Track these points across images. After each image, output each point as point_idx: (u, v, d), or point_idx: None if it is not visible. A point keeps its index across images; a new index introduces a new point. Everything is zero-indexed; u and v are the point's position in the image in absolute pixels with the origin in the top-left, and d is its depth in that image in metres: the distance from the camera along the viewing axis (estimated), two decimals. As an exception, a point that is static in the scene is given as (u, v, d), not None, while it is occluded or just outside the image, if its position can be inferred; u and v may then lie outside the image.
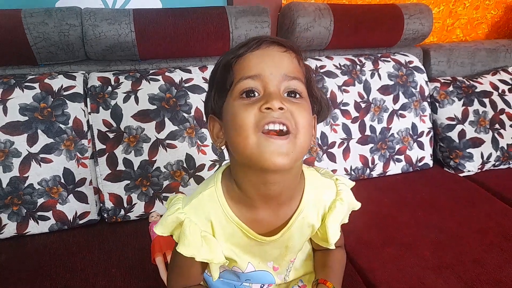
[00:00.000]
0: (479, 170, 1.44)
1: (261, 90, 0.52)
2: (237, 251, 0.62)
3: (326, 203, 0.65)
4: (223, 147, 0.59)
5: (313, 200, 0.63)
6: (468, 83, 1.49)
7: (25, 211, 1.03)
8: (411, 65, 1.44)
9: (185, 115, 1.13)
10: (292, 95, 0.54)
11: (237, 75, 0.54)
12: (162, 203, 1.12)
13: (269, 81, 0.52)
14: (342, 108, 1.33)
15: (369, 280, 0.93)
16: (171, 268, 0.69)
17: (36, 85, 1.06)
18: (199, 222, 0.59)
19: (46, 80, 1.07)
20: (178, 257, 0.63)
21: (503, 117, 1.45)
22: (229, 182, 0.60)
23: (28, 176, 1.02)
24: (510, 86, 1.52)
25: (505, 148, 1.43)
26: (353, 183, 0.70)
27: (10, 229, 1.02)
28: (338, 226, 0.64)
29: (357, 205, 0.68)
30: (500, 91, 1.49)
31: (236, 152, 0.54)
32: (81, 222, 1.08)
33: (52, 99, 1.05)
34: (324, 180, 0.66)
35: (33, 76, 1.08)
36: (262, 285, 0.70)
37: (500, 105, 1.47)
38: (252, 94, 0.52)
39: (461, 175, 1.43)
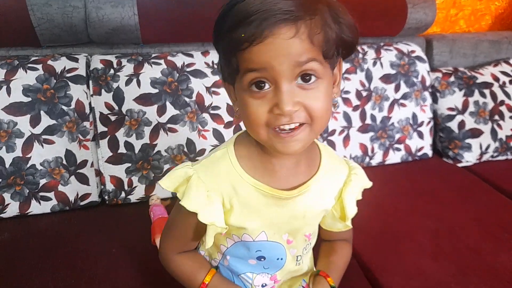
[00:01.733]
0: (478, 161, 1.45)
1: (271, 80, 0.48)
2: (253, 216, 0.59)
3: (342, 177, 0.64)
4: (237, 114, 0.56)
5: (329, 170, 0.62)
6: (469, 74, 1.49)
7: (28, 191, 1.04)
8: (413, 55, 1.44)
9: (187, 99, 1.14)
10: (307, 78, 0.49)
11: (242, 65, 0.49)
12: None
13: (278, 73, 0.47)
14: (344, 96, 1.33)
15: (366, 265, 0.95)
16: (165, 231, 0.67)
17: (39, 66, 1.06)
18: (207, 181, 0.57)
19: (49, 62, 1.08)
20: (175, 217, 0.63)
21: (503, 108, 1.46)
22: (246, 140, 0.59)
23: (30, 157, 1.03)
24: (511, 78, 1.52)
25: (504, 139, 1.44)
26: (362, 170, 0.69)
27: (13, 208, 1.04)
28: (354, 200, 0.64)
29: (369, 183, 0.67)
30: (501, 82, 1.50)
31: (249, 132, 0.55)
32: (82, 203, 1.10)
33: (55, 81, 1.06)
34: (336, 155, 0.67)
35: (36, 58, 1.09)
36: (270, 275, 0.68)
37: (501, 96, 1.47)
38: (262, 85, 0.49)
39: (460, 165, 1.45)
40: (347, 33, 0.51)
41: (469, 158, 1.44)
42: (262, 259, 0.65)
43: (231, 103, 0.69)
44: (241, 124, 1.06)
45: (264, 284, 0.67)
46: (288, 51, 0.46)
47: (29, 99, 1.03)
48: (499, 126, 1.45)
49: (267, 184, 0.57)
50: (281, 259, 0.65)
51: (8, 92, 1.02)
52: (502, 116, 1.46)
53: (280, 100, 0.47)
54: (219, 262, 0.68)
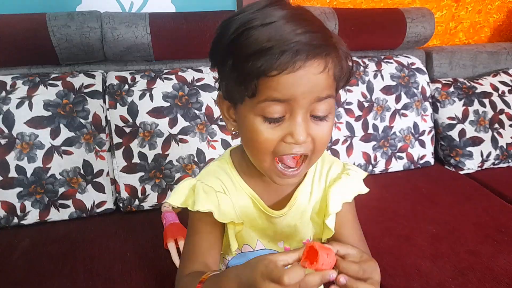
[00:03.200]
0: (479, 168, 1.49)
1: (287, 113, 0.48)
2: (249, 224, 0.61)
3: (331, 176, 0.63)
4: (236, 132, 0.57)
5: (318, 175, 0.63)
6: (469, 84, 1.54)
7: (47, 199, 1.10)
8: (413, 67, 1.50)
9: (197, 112, 1.20)
10: (320, 115, 0.50)
11: (262, 92, 0.48)
12: (174, 194, 1.19)
13: (298, 107, 0.48)
14: (346, 107, 1.39)
15: (368, 267, 0.98)
16: (182, 255, 0.63)
17: (59, 82, 1.14)
18: (213, 185, 0.58)
19: (68, 79, 1.15)
20: (190, 232, 0.61)
21: (503, 117, 1.50)
22: (240, 155, 0.61)
23: (50, 167, 1.10)
24: (510, 88, 1.56)
25: (504, 147, 1.48)
26: (365, 173, 0.66)
27: (33, 215, 1.10)
28: (339, 198, 0.61)
29: (365, 189, 0.64)
30: (500, 92, 1.54)
31: (249, 156, 0.56)
32: (98, 210, 1.16)
33: (74, 96, 1.13)
34: (332, 158, 0.66)
35: (56, 75, 1.16)
36: None
37: (500, 105, 1.51)
38: (277, 118, 0.49)
39: (461, 172, 1.48)
40: (348, 62, 0.53)
41: (471, 165, 1.47)
42: None
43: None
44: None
45: None
46: (315, 85, 0.47)
47: (50, 113, 1.11)
48: (499, 134, 1.49)
49: (261, 197, 0.60)
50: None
51: (30, 107, 1.10)
52: (502, 125, 1.50)
53: (296, 130, 0.48)
54: None
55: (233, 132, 0.57)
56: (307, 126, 0.49)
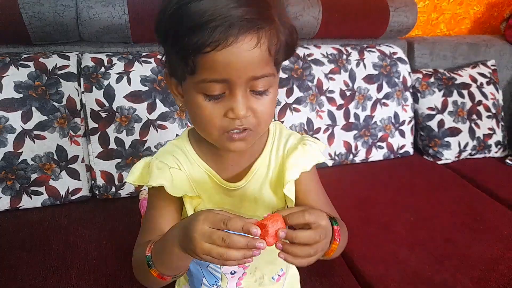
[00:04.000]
0: (456, 159, 1.52)
1: (226, 89, 0.50)
2: (208, 201, 0.62)
3: (288, 147, 0.64)
4: (184, 109, 0.59)
5: (276, 149, 0.64)
6: (449, 75, 1.55)
7: (19, 185, 1.06)
8: (395, 56, 1.50)
9: (176, 97, 1.17)
10: (260, 90, 0.52)
11: (201, 72, 0.49)
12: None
13: (237, 85, 0.50)
14: (328, 95, 1.38)
15: (348, 255, 0.99)
16: (141, 228, 0.63)
17: (31, 63, 1.08)
18: (168, 163, 0.60)
19: (41, 59, 1.10)
20: (148, 206, 0.62)
21: (480, 108, 1.53)
22: (195, 136, 0.62)
23: (22, 152, 1.05)
24: (488, 79, 1.59)
25: (481, 138, 1.51)
26: (324, 145, 0.67)
27: (4, 202, 1.05)
28: (296, 168, 0.61)
29: (321, 158, 0.64)
30: (478, 83, 1.56)
31: (197, 131, 0.58)
32: (73, 198, 1.12)
33: (46, 78, 1.08)
34: (290, 132, 0.67)
35: (28, 55, 1.11)
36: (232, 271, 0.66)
37: (478, 96, 1.54)
38: (218, 95, 0.51)
39: (439, 162, 1.51)
40: (290, 36, 0.53)
41: (448, 156, 1.50)
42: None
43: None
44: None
45: (233, 272, 0.68)
46: (250, 64, 0.48)
47: (21, 95, 1.05)
48: (477, 125, 1.52)
49: (218, 173, 0.61)
50: None
51: (0, 88, 1.04)
52: (479, 116, 1.53)
53: (235, 106, 0.51)
54: None
55: (184, 109, 0.60)
56: (247, 101, 0.51)
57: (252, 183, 0.63)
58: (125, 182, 1.14)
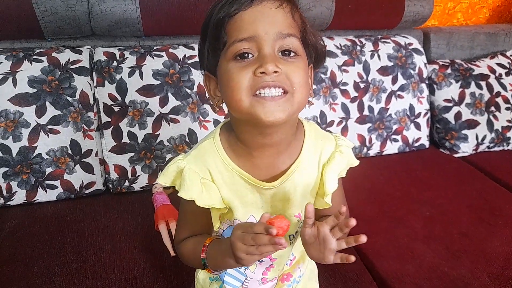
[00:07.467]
0: (474, 152, 1.48)
1: (255, 51, 0.52)
2: (238, 201, 0.62)
3: (326, 154, 0.65)
4: (221, 104, 0.60)
5: (313, 151, 0.64)
6: (466, 66, 1.51)
7: (34, 179, 1.07)
8: (410, 47, 1.46)
9: (188, 90, 1.17)
10: (287, 53, 0.53)
11: (230, 36, 0.53)
12: (165, 175, 1.16)
13: (263, 42, 0.52)
14: (342, 87, 1.36)
15: (362, 250, 0.98)
16: (177, 221, 0.70)
17: (44, 58, 1.09)
18: (199, 170, 0.61)
19: (54, 54, 1.10)
20: (182, 209, 0.66)
21: (499, 100, 1.48)
22: (228, 133, 0.62)
23: (36, 146, 1.06)
24: (507, 70, 1.54)
25: (500, 130, 1.47)
26: (353, 144, 0.70)
27: (20, 196, 1.07)
28: (335, 177, 0.64)
29: (356, 162, 0.67)
30: (497, 74, 1.52)
31: (232, 110, 0.56)
32: (87, 191, 1.13)
33: (60, 72, 1.09)
34: (324, 133, 0.67)
35: (41, 50, 1.11)
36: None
37: (497, 88, 1.49)
38: (246, 55, 0.52)
39: (456, 156, 1.47)
40: (320, 43, 0.59)
41: (466, 148, 1.46)
42: None
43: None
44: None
45: (261, 261, 0.69)
46: (274, 20, 0.52)
47: (35, 90, 1.06)
48: (495, 117, 1.47)
49: (250, 173, 0.61)
50: None
51: (14, 83, 1.05)
52: (498, 108, 1.48)
53: (263, 61, 0.51)
54: None
55: (221, 105, 0.60)
56: (276, 59, 0.52)
57: (287, 184, 0.63)
58: (139, 175, 1.15)
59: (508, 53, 1.60)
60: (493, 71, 1.52)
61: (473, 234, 1.02)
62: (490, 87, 1.49)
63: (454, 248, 0.97)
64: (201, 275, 0.76)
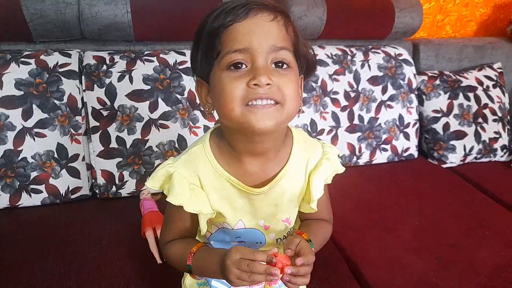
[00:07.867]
0: (462, 162, 1.50)
1: (249, 62, 0.53)
2: (228, 206, 0.63)
3: (313, 161, 0.66)
4: (212, 111, 0.60)
5: (301, 158, 0.65)
6: (455, 78, 1.53)
7: (18, 183, 1.05)
8: (400, 58, 1.48)
9: (178, 96, 1.16)
10: (280, 64, 0.54)
11: (225, 46, 0.53)
12: (153, 181, 1.15)
13: (257, 54, 0.52)
14: (332, 96, 1.36)
15: (350, 259, 0.97)
16: (163, 224, 0.70)
17: (32, 61, 1.07)
18: (188, 176, 0.61)
19: (42, 57, 1.09)
20: (169, 211, 0.66)
21: (486, 111, 1.51)
22: (218, 139, 0.62)
23: (22, 150, 1.04)
24: (494, 82, 1.57)
25: (487, 141, 1.49)
26: (339, 151, 0.71)
27: (3, 200, 1.04)
28: (321, 183, 0.66)
29: (341, 169, 0.69)
30: (484, 86, 1.54)
31: (223, 118, 0.57)
32: (73, 196, 1.11)
33: (48, 75, 1.07)
34: (311, 140, 0.69)
35: (29, 52, 1.10)
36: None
37: (484, 100, 1.52)
38: (240, 66, 0.53)
39: (444, 166, 1.48)
40: (311, 54, 0.61)
41: (453, 159, 1.48)
42: (243, 243, 0.69)
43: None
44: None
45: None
46: (268, 33, 0.53)
47: (22, 92, 1.04)
48: (483, 128, 1.49)
49: (239, 180, 0.61)
50: (260, 243, 0.70)
51: (0, 85, 1.03)
52: (485, 119, 1.50)
53: (257, 72, 0.52)
54: None
55: (212, 112, 0.60)
56: (269, 71, 0.53)
57: (275, 189, 0.64)
58: (126, 181, 1.13)
59: (495, 66, 1.63)
60: (480, 83, 1.55)
61: (461, 245, 1.03)
62: (478, 99, 1.51)
63: (442, 258, 0.97)
64: (188, 281, 0.76)
